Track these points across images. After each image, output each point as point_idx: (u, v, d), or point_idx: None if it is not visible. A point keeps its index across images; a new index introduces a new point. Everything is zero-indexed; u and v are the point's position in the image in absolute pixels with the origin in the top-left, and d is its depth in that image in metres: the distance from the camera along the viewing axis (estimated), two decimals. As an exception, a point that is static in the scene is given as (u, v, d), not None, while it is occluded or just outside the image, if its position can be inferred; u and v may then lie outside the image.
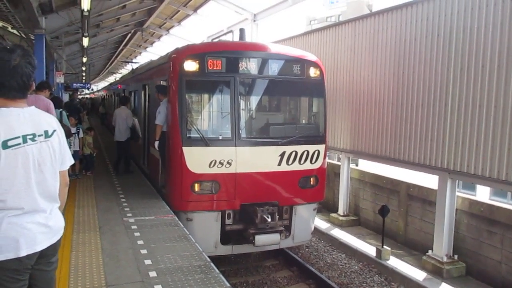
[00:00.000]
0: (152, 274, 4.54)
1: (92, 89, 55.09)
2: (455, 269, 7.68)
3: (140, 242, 5.50)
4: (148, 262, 4.85)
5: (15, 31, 17.29)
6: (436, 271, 7.69)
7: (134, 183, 9.25)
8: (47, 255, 2.51)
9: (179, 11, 20.64)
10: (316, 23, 66.14)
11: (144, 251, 5.17)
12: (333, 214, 11.04)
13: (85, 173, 10.00)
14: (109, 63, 45.68)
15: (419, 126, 8.16)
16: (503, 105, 6.60)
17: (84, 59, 24.84)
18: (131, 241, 5.52)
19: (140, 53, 36.91)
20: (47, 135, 2.47)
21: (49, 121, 2.55)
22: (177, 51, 7.86)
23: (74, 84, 34.71)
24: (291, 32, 13.23)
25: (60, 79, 22.67)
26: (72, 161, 2.69)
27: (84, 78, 42.41)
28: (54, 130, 2.53)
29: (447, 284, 7.31)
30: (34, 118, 2.46)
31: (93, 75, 56.25)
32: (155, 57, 19.79)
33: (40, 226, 2.44)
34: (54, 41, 19.41)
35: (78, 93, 37.47)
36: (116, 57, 39.74)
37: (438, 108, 7.75)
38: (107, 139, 17.94)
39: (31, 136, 2.39)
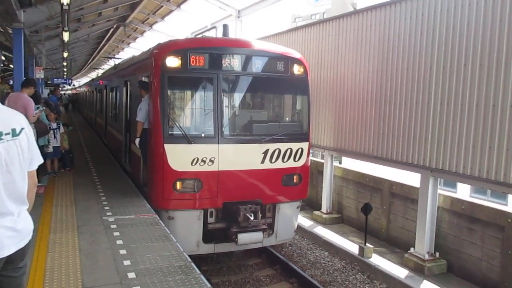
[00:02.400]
0: (131, 275, 4.42)
1: (74, 85, 54.25)
2: (437, 266, 7.73)
3: (119, 242, 5.37)
4: (127, 262, 4.73)
5: (-8, 25, 16.82)
6: (417, 269, 7.74)
7: (115, 181, 9.07)
8: (14, 260, 2.38)
9: (162, 6, 20.40)
10: (300, 20, 66.26)
11: (123, 252, 5.05)
12: (316, 212, 11.03)
13: (64, 170, 9.79)
14: (91, 58, 45.05)
15: (402, 124, 8.19)
16: (485, 103, 6.65)
17: (65, 54, 24.37)
18: (110, 241, 5.39)
19: (123, 48, 36.45)
20: (14, 133, 2.34)
21: (17, 118, 2.42)
22: (159, 46, 7.71)
23: (55, 79, 34.15)
24: (275, 29, 13.17)
25: (40, 74, 22.21)
26: (41, 161, 2.55)
27: (65, 73, 41.74)
28: (22, 128, 2.40)
29: (428, 281, 7.36)
30: (1, 115, 2.33)
31: (75, 71, 55.42)
32: (138, 53, 19.51)
33: (7, 230, 2.31)
34: (34, 36, 18.98)
35: (60, 89, 36.86)
36: (98, 52, 39.19)
37: (421, 106, 7.77)
38: (88, 136, 17.65)
39: None
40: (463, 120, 7.01)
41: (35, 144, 2.51)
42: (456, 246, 7.77)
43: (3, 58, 25.95)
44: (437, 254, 7.87)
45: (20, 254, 2.40)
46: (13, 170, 2.31)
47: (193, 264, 4.83)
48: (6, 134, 2.29)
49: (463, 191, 17.01)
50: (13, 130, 2.34)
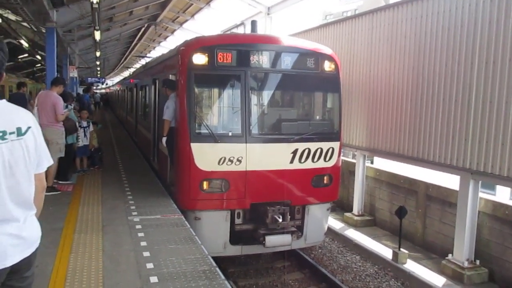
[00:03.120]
0: (153, 279, 4.25)
1: (107, 84, 55.38)
2: (477, 275, 7.25)
3: (143, 243, 5.23)
4: (150, 266, 4.56)
5: (26, 25, 17.21)
6: (456, 277, 7.28)
7: (143, 180, 9.00)
8: (20, 270, 2.21)
9: (192, 4, 20.39)
10: (332, 18, 65.29)
11: (146, 254, 4.89)
12: (347, 214, 10.66)
13: (93, 168, 9.81)
14: (124, 57, 45.82)
15: (440, 123, 7.73)
16: (533, 101, 6.16)
17: (98, 54, 24.75)
18: (134, 243, 5.25)
19: (154, 47, 36.85)
20: (20, 132, 2.16)
21: (23, 117, 2.24)
22: (186, 43, 7.57)
23: (89, 78, 34.90)
24: (306, 27, 12.82)
25: (73, 73, 22.67)
26: (51, 162, 2.37)
27: (99, 72, 42.61)
28: (29, 127, 2.21)
29: (468, 290, 6.92)
30: (5, 113, 2.15)
31: (108, 70, 56.55)
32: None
33: (11, 237, 2.13)
34: (67, 35, 19.32)
35: (94, 87, 37.64)
36: (131, 51, 39.78)
37: (461, 104, 7.31)
38: (119, 134, 17.83)
39: (0, 134, 2.08)
40: (508, 119, 6.52)
41: (43, 144, 2.33)
42: (499, 254, 7.27)
43: (39, 57, 26.62)
44: (478, 262, 7.38)
45: (26, 263, 2.23)
46: (17, 172, 2.14)
47: (217, 269, 4.61)
48: (10, 133, 2.12)
49: (503, 194, 16.18)
50: (18, 129, 2.16)
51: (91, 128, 9.88)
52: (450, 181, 8.49)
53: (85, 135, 9.53)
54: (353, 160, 11.38)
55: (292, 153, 7.22)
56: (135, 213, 6.55)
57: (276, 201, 7.13)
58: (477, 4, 6.99)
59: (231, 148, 6.94)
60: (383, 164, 11.79)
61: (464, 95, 7.24)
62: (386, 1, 10.68)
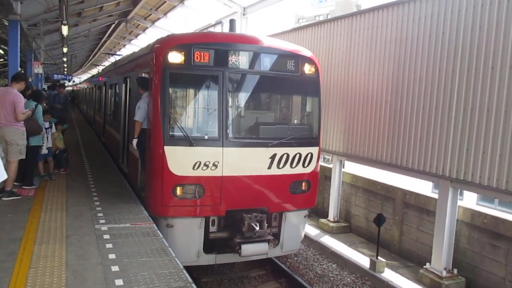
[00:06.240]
0: (123, 298, 3.87)
1: (74, 81, 53.72)
2: (455, 284, 7.17)
3: (111, 256, 4.80)
4: (119, 282, 4.16)
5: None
6: (434, 286, 7.18)
7: (111, 184, 8.50)
8: None
9: (165, 2, 19.85)
10: (304, 21, 65.91)
11: (115, 268, 4.48)
12: (322, 220, 10.48)
13: (58, 171, 9.21)
14: (92, 55, 44.49)
15: (419, 130, 7.64)
16: (514, 110, 6.10)
17: (65, 50, 23.73)
18: (102, 255, 4.82)
19: (124, 45, 35.89)
20: None
21: None
22: (160, 41, 7.16)
23: (55, 75, 33.57)
24: (279, 29, 12.61)
25: (38, 69, 21.66)
26: (4, 177, 1.97)
27: (65, 69, 41.17)
28: None
29: (446, 301, 6.81)
30: None
31: (75, 67, 54.84)
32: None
33: None
34: (32, 29, 18.41)
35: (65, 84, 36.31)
36: (100, 49, 38.64)
37: (441, 111, 7.22)
38: (86, 134, 17.11)
39: None
40: (489, 127, 6.46)
41: None
42: (477, 263, 7.22)
43: (1, 52, 25.43)
44: (455, 271, 7.31)
45: None
46: None
47: (194, 285, 4.26)
48: None
49: (470, 199, 16.42)
50: None
51: (53, 129, 9.23)
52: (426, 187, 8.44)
53: (46, 137, 8.85)
54: (328, 165, 11.23)
55: (270, 158, 6.95)
56: (102, 221, 6.10)
57: (253, 208, 6.84)
58: (460, 11, 6.93)
59: (207, 152, 6.60)
60: (352, 168, 11.65)
61: (444, 102, 7.16)
62: (358, 6, 10.60)
